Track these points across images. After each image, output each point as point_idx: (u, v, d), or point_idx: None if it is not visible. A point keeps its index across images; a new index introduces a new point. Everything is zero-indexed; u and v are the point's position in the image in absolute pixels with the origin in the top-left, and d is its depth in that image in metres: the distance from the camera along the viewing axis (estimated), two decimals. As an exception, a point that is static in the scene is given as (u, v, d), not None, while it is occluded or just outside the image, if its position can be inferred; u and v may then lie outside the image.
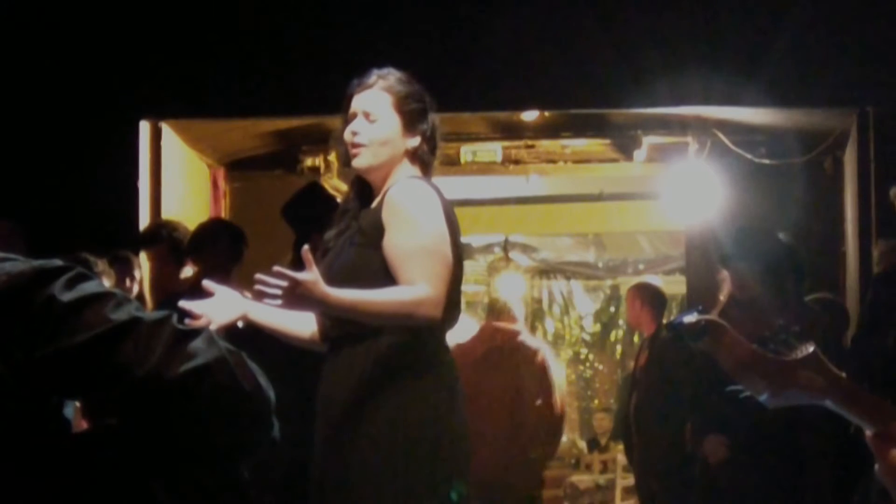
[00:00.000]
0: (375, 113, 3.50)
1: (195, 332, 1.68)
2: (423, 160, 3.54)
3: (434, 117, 3.59)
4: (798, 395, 2.12)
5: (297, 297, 3.18)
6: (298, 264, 4.29)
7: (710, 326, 2.17)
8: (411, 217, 3.38)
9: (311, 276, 3.18)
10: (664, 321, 7.27)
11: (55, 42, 6.35)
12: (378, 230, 3.40)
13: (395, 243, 3.37)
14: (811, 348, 2.12)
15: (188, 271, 5.68)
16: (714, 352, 2.15)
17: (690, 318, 2.18)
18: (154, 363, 1.62)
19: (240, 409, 1.67)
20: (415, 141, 3.52)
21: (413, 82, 3.57)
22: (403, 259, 3.35)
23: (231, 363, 1.66)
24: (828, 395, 2.13)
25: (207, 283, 3.50)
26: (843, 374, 2.17)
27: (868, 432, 2.15)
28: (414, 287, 3.30)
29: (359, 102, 3.52)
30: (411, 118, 3.51)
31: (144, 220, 6.41)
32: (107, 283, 4.51)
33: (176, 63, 6.42)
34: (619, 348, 13.43)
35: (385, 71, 3.56)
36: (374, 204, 3.49)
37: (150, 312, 1.69)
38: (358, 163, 3.53)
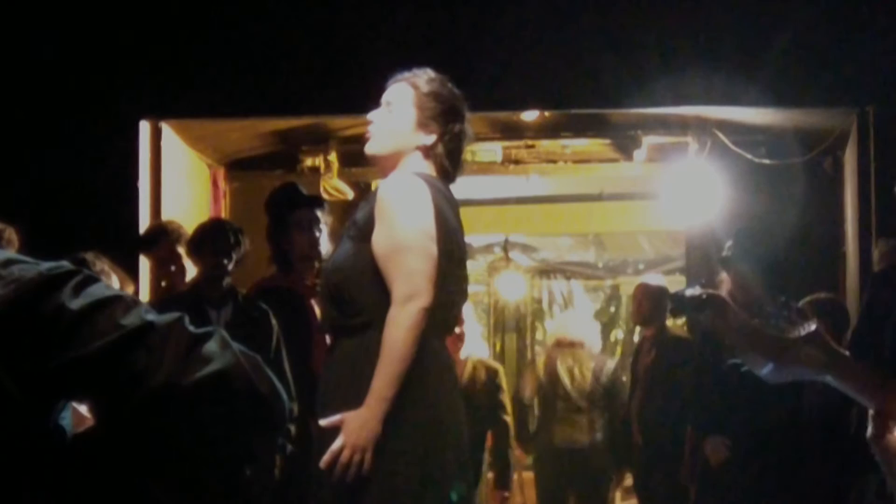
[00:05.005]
0: (394, 103, 3.53)
1: (208, 335, 1.64)
2: (438, 160, 3.52)
3: (464, 126, 3.57)
4: (800, 370, 2.11)
5: (358, 440, 3.24)
6: (280, 261, 4.34)
7: (712, 300, 2.16)
8: (393, 213, 3.37)
9: (343, 440, 3.25)
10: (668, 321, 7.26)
11: (55, 42, 6.35)
12: (369, 224, 3.41)
13: (377, 240, 3.38)
14: (814, 325, 2.10)
15: (186, 271, 5.68)
16: (716, 325, 2.15)
17: (693, 292, 2.18)
18: (168, 369, 1.59)
19: (256, 413, 1.64)
20: (429, 139, 3.51)
21: (446, 85, 3.58)
22: (384, 258, 3.35)
23: (247, 367, 1.63)
24: (829, 371, 2.11)
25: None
26: (846, 352, 2.16)
27: (870, 409, 2.15)
28: (395, 304, 3.29)
29: (386, 94, 3.57)
30: (429, 115, 3.51)
31: (144, 220, 6.40)
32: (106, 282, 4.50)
33: (176, 63, 6.42)
34: (619, 348, 13.41)
35: (423, 70, 3.58)
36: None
37: (160, 315, 1.65)
38: (367, 149, 3.57)
